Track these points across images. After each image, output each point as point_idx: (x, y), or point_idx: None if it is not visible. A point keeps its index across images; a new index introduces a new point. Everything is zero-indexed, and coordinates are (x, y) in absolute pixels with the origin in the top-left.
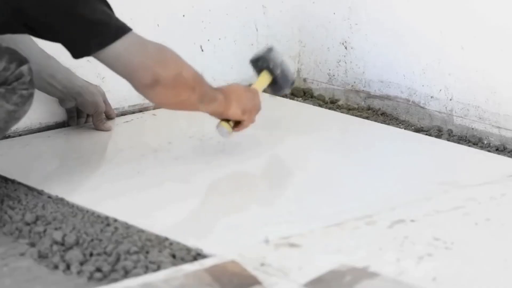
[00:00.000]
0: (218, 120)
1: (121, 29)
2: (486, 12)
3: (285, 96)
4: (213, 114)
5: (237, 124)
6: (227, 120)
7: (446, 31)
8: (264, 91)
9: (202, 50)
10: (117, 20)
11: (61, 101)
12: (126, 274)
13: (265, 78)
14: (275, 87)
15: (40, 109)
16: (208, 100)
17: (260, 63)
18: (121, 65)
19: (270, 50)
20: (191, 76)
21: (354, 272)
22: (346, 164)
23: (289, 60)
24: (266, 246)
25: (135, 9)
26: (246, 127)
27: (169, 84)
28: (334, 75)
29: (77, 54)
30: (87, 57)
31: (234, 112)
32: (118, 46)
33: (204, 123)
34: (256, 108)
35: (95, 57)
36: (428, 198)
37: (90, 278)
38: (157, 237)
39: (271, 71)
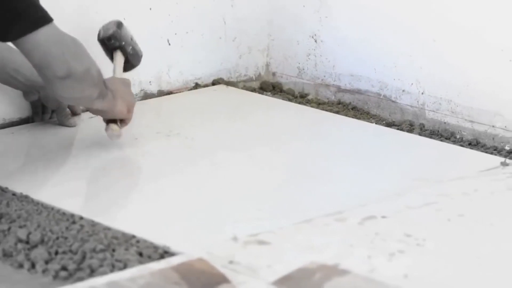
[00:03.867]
0: (105, 124)
1: (43, 19)
2: (458, 4)
3: (253, 90)
4: (99, 111)
5: (121, 122)
6: (114, 121)
7: (417, 24)
8: None
9: (169, 44)
10: (40, 9)
11: (25, 94)
12: (92, 272)
13: (120, 60)
14: (126, 65)
15: (4, 105)
16: (103, 96)
17: (113, 41)
18: (39, 55)
19: (120, 25)
20: (96, 73)
21: (324, 270)
22: (316, 159)
23: (258, 54)
24: (234, 244)
25: (100, 2)
26: (128, 123)
27: (79, 78)
28: (303, 69)
29: None
30: None
31: (121, 109)
32: (39, 36)
33: (171, 119)
34: (134, 101)
35: (15, 44)
36: (399, 194)
37: (56, 277)
38: (124, 234)
39: (123, 50)
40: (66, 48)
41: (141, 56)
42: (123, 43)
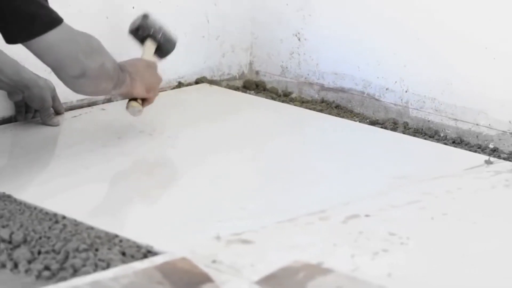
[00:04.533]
0: (127, 101)
1: (53, 21)
2: (442, 2)
3: (237, 89)
4: (119, 95)
5: (143, 101)
6: (135, 99)
7: (401, 22)
8: None
9: None
10: (50, 11)
11: (9, 94)
12: (75, 272)
13: (150, 46)
14: (160, 52)
15: None
16: (119, 84)
17: (141, 32)
18: (51, 56)
19: (146, 17)
20: (111, 67)
21: (307, 269)
22: (299, 158)
23: (241, 52)
24: (217, 243)
25: (83, 1)
26: (152, 102)
27: (93, 76)
28: (287, 67)
29: (7, 40)
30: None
31: (139, 91)
32: (50, 38)
33: (154, 118)
34: (158, 81)
35: (26, 46)
36: (383, 192)
37: (38, 276)
38: (107, 234)
39: (153, 38)
40: (78, 48)
41: (175, 42)
42: (152, 31)
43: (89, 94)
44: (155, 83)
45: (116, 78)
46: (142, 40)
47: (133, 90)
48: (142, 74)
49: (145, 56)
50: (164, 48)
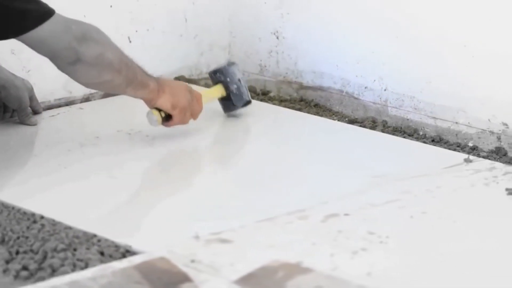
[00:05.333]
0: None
1: (44, 15)
2: (420, 0)
3: None
4: (142, 100)
5: (168, 118)
6: (159, 110)
7: (380, 20)
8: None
9: (130, 42)
10: (40, 5)
11: None
12: (53, 272)
13: (217, 90)
14: (227, 103)
15: None
16: (137, 85)
17: (218, 75)
18: (45, 47)
19: (231, 64)
20: (116, 59)
21: (286, 268)
22: (278, 157)
23: (219, 51)
24: (196, 242)
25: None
26: (176, 124)
27: (90, 63)
28: (265, 66)
29: None
30: (12, 50)
31: (164, 102)
32: (42, 31)
33: (132, 117)
34: (192, 110)
35: (18, 39)
36: (362, 191)
37: (16, 276)
38: (85, 233)
39: (226, 86)
40: (71, 36)
41: (246, 101)
42: (228, 79)
43: (96, 86)
44: (186, 107)
45: (127, 73)
46: (216, 83)
47: (158, 99)
48: (174, 89)
49: (205, 93)
50: (232, 100)
